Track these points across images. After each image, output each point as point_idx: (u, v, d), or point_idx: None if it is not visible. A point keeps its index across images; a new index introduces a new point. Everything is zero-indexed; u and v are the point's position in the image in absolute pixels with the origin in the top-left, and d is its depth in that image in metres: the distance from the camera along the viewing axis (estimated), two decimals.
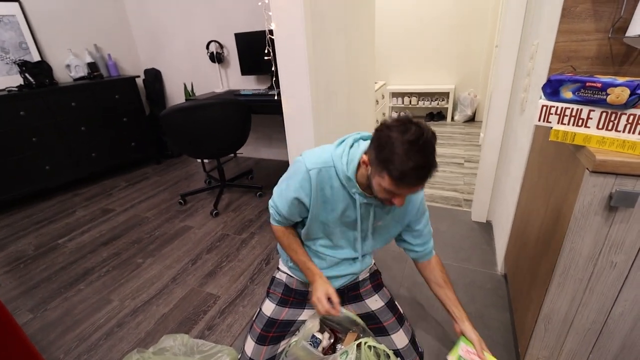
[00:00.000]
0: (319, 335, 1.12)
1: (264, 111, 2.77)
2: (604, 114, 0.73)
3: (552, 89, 0.80)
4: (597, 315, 0.88)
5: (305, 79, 1.64)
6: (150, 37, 3.43)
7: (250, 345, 1.07)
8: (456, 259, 1.75)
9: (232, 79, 3.25)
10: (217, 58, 3.08)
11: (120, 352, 1.36)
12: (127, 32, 3.46)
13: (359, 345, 0.99)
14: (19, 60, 2.68)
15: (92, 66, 3.08)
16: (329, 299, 0.97)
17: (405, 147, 0.70)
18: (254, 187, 2.72)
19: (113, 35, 3.34)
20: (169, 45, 3.37)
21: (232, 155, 3.52)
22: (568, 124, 0.79)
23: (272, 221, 1.04)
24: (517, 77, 1.64)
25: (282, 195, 0.96)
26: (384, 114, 4.52)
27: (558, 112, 0.80)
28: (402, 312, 1.14)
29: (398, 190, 0.75)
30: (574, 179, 0.80)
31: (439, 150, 0.73)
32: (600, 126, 0.75)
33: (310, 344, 1.06)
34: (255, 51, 2.69)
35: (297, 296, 1.13)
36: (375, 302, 1.12)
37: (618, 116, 0.72)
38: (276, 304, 1.11)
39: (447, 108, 4.38)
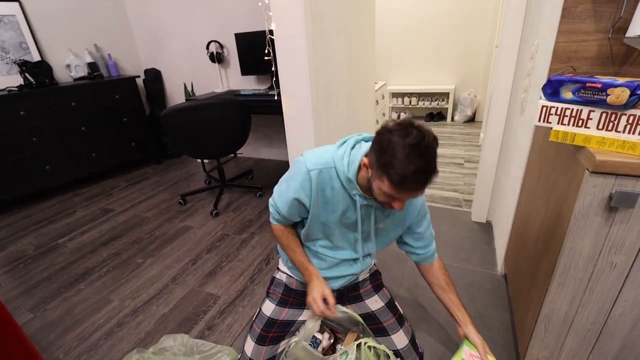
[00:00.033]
0: (319, 336, 1.11)
1: (264, 111, 2.78)
2: (604, 115, 0.73)
3: (552, 89, 0.80)
4: (597, 316, 0.88)
5: (305, 79, 1.64)
6: (150, 37, 3.43)
7: (250, 346, 1.07)
8: (456, 259, 1.75)
9: (232, 79, 3.25)
10: (217, 58, 3.08)
11: (120, 352, 1.36)
12: (127, 32, 3.46)
13: (358, 346, 0.99)
14: (19, 60, 2.68)
15: (92, 66, 3.08)
16: (325, 300, 0.97)
17: (406, 151, 0.69)
18: (254, 187, 2.72)
19: (113, 35, 3.35)
20: (169, 45, 3.38)
21: (232, 155, 3.52)
22: (568, 124, 0.79)
23: (271, 220, 1.04)
24: (517, 77, 1.64)
25: (283, 195, 0.96)
26: (384, 114, 4.52)
27: (558, 112, 0.80)
28: (402, 312, 1.14)
29: (398, 194, 0.75)
30: (574, 179, 0.80)
31: (439, 150, 0.73)
32: (600, 127, 0.75)
33: (310, 345, 1.06)
34: (256, 51, 2.69)
35: (297, 296, 1.13)
36: (375, 303, 1.12)
37: (618, 117, 0.72)
38: (276, 304, 1.11)
39: (447, 108, 4.38)
